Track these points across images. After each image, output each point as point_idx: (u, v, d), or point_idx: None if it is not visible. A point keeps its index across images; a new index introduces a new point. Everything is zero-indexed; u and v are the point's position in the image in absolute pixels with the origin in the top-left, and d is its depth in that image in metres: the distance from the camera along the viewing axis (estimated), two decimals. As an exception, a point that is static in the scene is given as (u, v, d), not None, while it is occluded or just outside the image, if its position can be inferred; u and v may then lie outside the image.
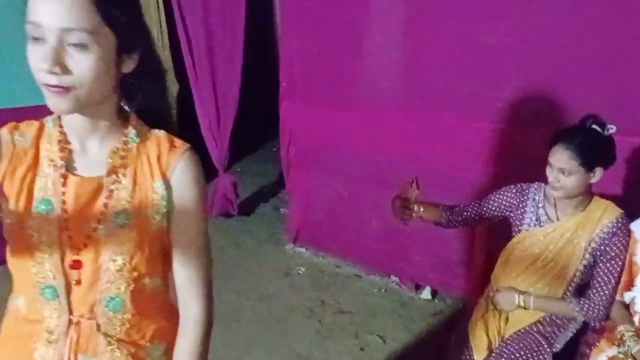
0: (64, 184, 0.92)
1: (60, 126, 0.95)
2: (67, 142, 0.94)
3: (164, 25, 3.38)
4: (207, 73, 3.15)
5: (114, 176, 0.93)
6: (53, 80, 0.81)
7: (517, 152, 2.30)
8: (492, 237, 2.04)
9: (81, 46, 0.82)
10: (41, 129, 0.96)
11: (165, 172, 0.95)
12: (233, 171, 3.85)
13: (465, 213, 1.77)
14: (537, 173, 1.68)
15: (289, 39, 2.87)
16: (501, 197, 1.74)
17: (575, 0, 2.00)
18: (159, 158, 0.96)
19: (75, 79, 0.83)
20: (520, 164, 2.25)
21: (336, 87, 2.77)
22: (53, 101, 0.84)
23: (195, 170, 0.97)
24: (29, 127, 0.95)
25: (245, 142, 4.27)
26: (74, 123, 0.92)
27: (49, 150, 0.94)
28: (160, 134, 0.99)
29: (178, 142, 0.98)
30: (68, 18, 0.80)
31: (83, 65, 0.82)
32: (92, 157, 0.95)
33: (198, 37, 3.07)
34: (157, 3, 3.24)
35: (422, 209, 1.73)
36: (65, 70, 0.82)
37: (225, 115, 3.25)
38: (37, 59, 0.81)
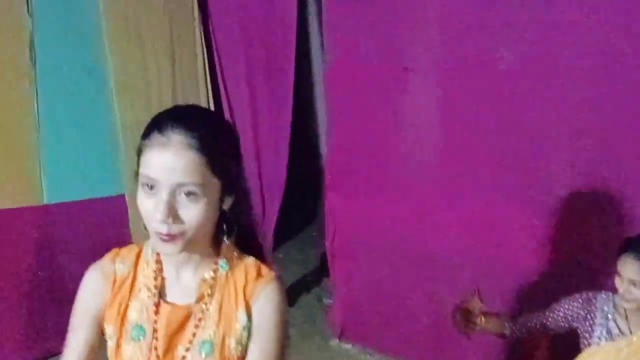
0: (157, 312, 0.97)
1: (158, 254, 1.01)
2: (162, 270, 1.01)
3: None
4: (253, 165, 3.23)
5: (202, 304, 0.98)
6: (164, 229, 0.88)
7: (574, 248, 2.24)
8: (555, 341, 1.97)
9: (192, 197, 0.89)
10: (140, 254, 1.03)
11: (249, 301, 0.98)
12: (275, 259, 3.84)
13: (529, 324, 1.72)
14: (599, 271, 1.63)
15: (335, 133, 2.93)
16: (567, 307, 1.68)
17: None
18: (244, 287, 0.99)
19: (184, 227, 0.89)
20: (579, 261, 2.20)
21: (382, 179, 2.82)
22: (162, 247, 0.91)
23: (278, 301, 1.00)
24: (129, 253, 1.04)
25: (285, 227, 4.28)
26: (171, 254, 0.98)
27: (146, 276, 1.00)
28: (249, 261, 1.04)
29: (265, 270, 1.02)
30: (182, 175, 0.87)
31: (192, 213, 0.89)
32: (184, 285, 1.00)
33: (246, 131, 3.17)
34: (208, 102, 3.36)
35: (484, 321, 1.68)
36: (177, 219, 0.88)
37: (270, 206, 3.29)
38: (150, 208, 0.88)
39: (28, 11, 2.72)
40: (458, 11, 2.41)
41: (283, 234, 4.61)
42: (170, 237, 0.89)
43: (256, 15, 3.18)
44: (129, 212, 3.02)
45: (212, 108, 3.40)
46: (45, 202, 2.83)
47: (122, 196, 3.03)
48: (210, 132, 0.91)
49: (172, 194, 0.87)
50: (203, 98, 3.35)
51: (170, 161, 0.86)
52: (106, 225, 3.02)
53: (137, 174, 0.92)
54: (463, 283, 2.51)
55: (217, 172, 0.90)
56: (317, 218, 4.77)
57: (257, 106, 3.21)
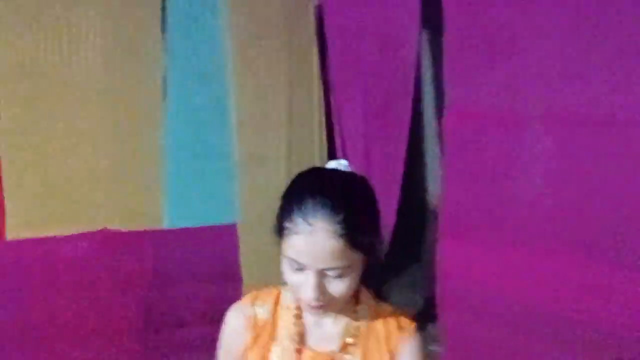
0: (298, 358, 0.99)
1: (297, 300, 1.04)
2: (302, 316, 1.03)
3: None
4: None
5: (345, 353, 0.99)
6: (314, 303, 0.93)
7: None
8: None
9: (339, 276, 0.92)
10: (278, 298, 1.06)
11: (394, 355, 1.00)
12: (377, 299, 3.70)
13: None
14: None
15: (449, 177, 2.82)
16: None
17: None
18: (387, 338, 1.01)
19: (332, 298, 0.94)
20: None
21: (497, 228, 2.69)
22: (311, 312, 0.96)
23: (422, 354, 1.02)
24: (268, 297, 1.07)
25: (387, 267, 4.12)
26: None
27: (286, 321, 1.02)
28: (387, 310, 1.07)
29: (405, 321, 1.06)
30: (329, 260, 0.90)
31: (340, 288, 0.93)
32: (325, 331, 1.02)
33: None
34: (321, 142, 3.38)
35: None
36: (325, 294, 0.92)
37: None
38: (299, 282, 0.93)
39: (163, 48, 2.89)
40: (583, 58, 2.26)
41: (385, 275, 4.45)
42: (320, 307, 0.94)
43: (374, 58, 3.21)
44: (240, 240, 3.07)
45: (326, 148, 3.41)
46: (163, 226, 2.92)
47: (234, 225, 3.09)
48: (354, 212, 0.92)
49: (320, 274, 0.91)
50: (317, 137, 3.39)
51: (317, 250, 0.89)
52: (218, 252, 3.09)
53: (278, 234, 0.96)
54: (586, 350, 2.24)
55: (363, 249, 0.93)
56: (421, 260, 4.60)
57: (370, 149, 3.21)
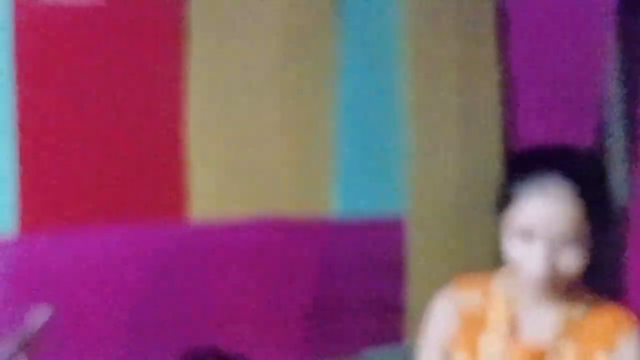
0: (510, 348, 0.95)
1: (510, 287, 0.99)
2: (514, 304, 0.98)
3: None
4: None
5: (559, 346, 0.94)
6: (541, 275, 0.88)
7: None
8: None
9: (570, 247, 0.88)
10: (488, 284, 1.02)
11: (611, 349, 0.93)
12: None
13: None
14: None
15: None
16: None
17: None
18: (604, 332, 0.95)
19: (559, 273, 0.89)
20: None
21: None
22: (531, 287, 0.91)
23: None
24: (478, 283, 1.03)
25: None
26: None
27: (497, 310, 0.98)
28: (604, 303, 0.99)
29: (624, 316, 0.97)
30: (562, 227, 0.87)
31: (569, 261, 0.88)
32: (539, 321, 0.97)
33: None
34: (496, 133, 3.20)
35: None
36: (553, 268, 0.88)
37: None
38: (526, 257, 0.89)
39: (337, 34, 2.93)
40: None
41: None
42: (544, 284, 0.90)
43: (560, 47, 2.94)
44: (408, 233, 3.00)
45: (501, 140, 3.21)
46: (332, 216, 2.97)
47: (403, 216, 3.04)
48: (590, 180, 0.90)
49: (550, 244, 0.87)
50: (491, 128, 3.20)
51: (551, 213, 0.87)
52: (385, 243, 3.04)
53: (498, 213, 0.94)
54: None
55: (596, 221, 0.90)
56: (604, 264, 4.19)
57: (550, 142, 2.96)
